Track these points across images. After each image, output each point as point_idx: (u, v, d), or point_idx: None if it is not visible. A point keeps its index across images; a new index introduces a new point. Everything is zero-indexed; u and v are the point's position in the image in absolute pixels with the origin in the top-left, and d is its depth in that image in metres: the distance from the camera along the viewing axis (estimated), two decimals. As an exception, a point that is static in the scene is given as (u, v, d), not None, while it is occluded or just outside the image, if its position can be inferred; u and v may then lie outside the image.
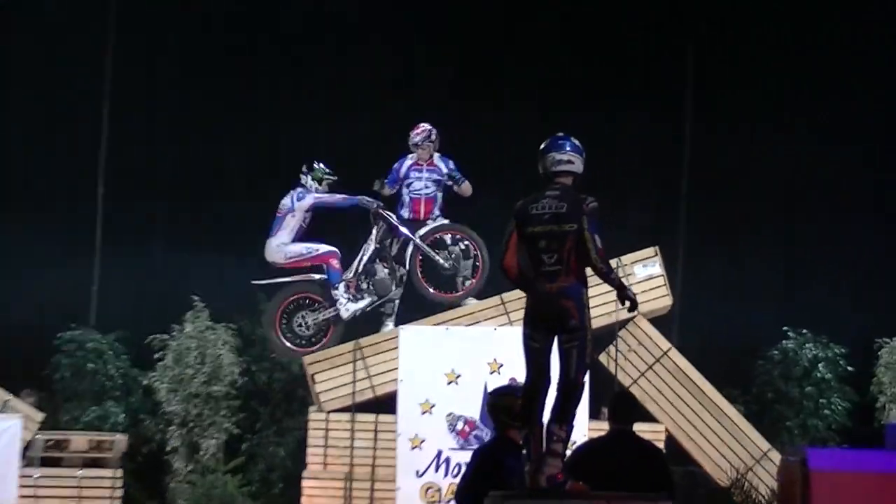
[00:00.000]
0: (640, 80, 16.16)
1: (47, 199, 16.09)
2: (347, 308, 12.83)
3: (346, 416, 12.70)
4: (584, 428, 11.57)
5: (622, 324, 12.79)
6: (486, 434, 11.86)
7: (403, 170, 13.13)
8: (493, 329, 12.63)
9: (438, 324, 12.81)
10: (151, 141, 16.32)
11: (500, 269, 7.97)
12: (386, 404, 12.68)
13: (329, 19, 16.39)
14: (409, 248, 12.98)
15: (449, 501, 11.99)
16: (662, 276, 13.11)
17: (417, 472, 12.32)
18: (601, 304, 11.58)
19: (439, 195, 13.18)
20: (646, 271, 13.01)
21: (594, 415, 12.01)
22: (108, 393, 15.13)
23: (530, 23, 16.46)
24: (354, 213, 13.06)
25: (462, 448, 12.22)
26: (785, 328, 15.16)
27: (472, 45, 16.27)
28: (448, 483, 12.19)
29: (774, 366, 15.14)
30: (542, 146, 7.91)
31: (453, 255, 12.98)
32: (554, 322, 7.60)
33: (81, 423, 14.56)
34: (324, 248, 12.91)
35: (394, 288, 12.99)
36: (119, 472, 13.33)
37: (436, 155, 13.19)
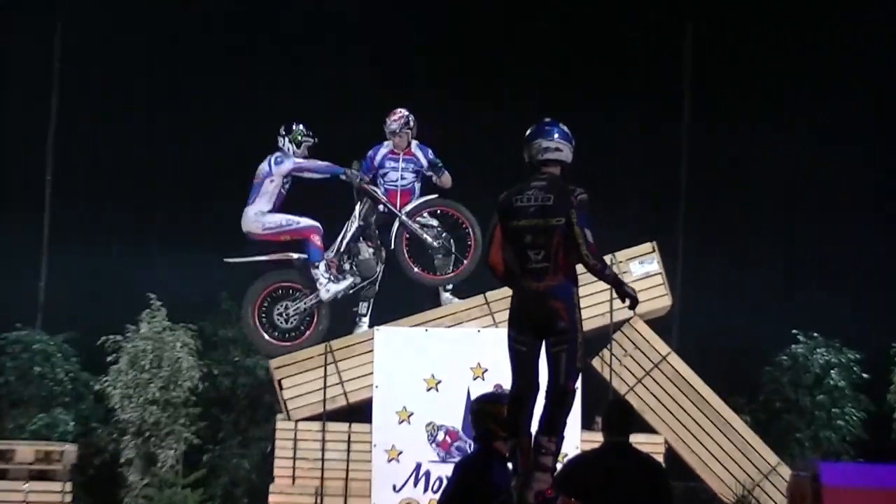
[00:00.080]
0: (639, 79, 16.12)
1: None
2: (328, 289, 12.06)
3: (316, 426, 12.07)
4: (576, 439, 11.13)
5: (617, 325, 12.17)
6: (470, 445, 11.22)
7: (378, 158, 12.44)
8: (477, 331, 12.03)
9: (417, 325, 12.17)
10: (106, 137, 15.89)
11: (486, 266, 7.57)
12: (360, 412, 12.13)
13: (329, 19, 16.37)
14: (395, 225, 12.20)
15: (428, 519, 11.46)
16: (661, 273, 12.39)
17: (394, 487, 11.80)
18: (594, 304, 11.38)
19: (417, 186, 12.47)
20: (643, 269, 12.30)
21: (587, 425, 11.58)
22: (57, 399, 14.41)
23: (530, 23, 16.48)
24: (334, 187, 12.41)
25: (443, 461, 11.70)
26: (794, 331, 14.57)
27: (472, 45, 16.25)
28: (428, 499, 11.67)
29: (783, 372, 14.37)
30: (528, 132, 7.49)
31: (443, 235, 12.30)
32: (541, 324, 7.21)
33: (27, 432, 13.91)
34: (305, 221, 12.15)
35: (379, 269, 12.28)
36: (68, 486, 12.43)
37: (413, 143, 12.50)
